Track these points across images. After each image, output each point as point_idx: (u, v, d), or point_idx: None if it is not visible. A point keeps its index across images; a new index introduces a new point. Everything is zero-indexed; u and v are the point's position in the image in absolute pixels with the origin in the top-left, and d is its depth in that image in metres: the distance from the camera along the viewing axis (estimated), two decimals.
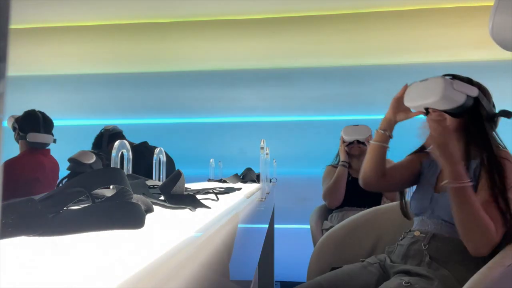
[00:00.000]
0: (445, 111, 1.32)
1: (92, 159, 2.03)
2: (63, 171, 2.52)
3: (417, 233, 1.36)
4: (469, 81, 1.38)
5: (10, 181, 2.26)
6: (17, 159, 2.43)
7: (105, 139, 2.58)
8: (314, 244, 2.48)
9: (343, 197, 2.47)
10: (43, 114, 2.51)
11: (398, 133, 1.51)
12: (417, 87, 1.36)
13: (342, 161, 2.52)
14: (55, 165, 2.55)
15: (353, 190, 2.44)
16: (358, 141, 2.54)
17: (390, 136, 1.48)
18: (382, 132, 1.47)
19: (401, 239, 1.41)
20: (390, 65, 3.49)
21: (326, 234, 1.81)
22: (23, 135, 2.43)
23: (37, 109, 2.57)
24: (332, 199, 2.48)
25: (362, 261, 1.48)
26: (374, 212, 1.77)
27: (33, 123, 2.45)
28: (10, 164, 2.36)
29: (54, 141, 2.53)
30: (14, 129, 2.47)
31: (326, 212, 2.56)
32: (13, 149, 2.47)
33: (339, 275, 1.40)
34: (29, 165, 2.40)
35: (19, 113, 2.50)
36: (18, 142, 2.49)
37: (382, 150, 1.44)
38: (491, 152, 1.30)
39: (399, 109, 1.44)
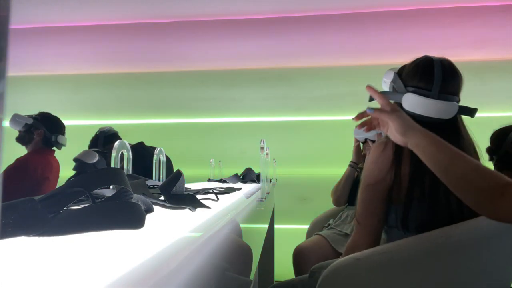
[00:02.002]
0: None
1: (95, 158, 2.04)
2: (62, 171, 2.54)
3: None
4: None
5: (22, 180, 2.32)
6: (28, 158, 2.46)
7: (101, 141, 2.59)
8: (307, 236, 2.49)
9: (347, 197, 2.48)
10: None
11: None
12: None
13: (351, 162, 2.53)
14: (58, 165, 2.59)
15: (356, 191, 2.46)
16: (370, 140, 2.54)
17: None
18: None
19: None
20: (390, 65, 3.49)
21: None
22: (49, 135, 2.51)
23: (37, 109, 2.60)
24: (335, 197, 2.51)
25: None
26: None
27: (60, 125, 2.60)
28: (22, 164, 2.41)
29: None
30: (30, 127, 2.49)
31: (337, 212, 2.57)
32: (9, 149, 2.48)
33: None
34: (40, 165, 2.46)
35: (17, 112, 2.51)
36: (29, 141, 2.51)
37: None
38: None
39: None
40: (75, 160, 2.02)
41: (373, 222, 1.15)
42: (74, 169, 2.06)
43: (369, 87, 1.11)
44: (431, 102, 1.17)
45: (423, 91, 1.19)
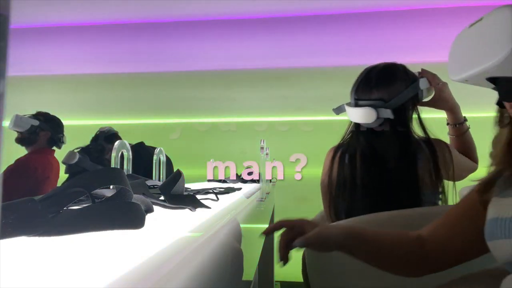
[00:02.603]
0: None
1: (75, 158, 2.06)
2: (62, 172, 2.54)
3: None
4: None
5: (23, 180, 2.32)
6: (28, 158, 2.46)
7: (100, 141, 2.60)
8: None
9: None
10: None
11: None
12: None
13: None
14: (59, 165, 2.59)
15: None
16: None
17: None
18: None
19: None
20: None
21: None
22: (55, 136, 2.53)
23: (36, 109, 2.61)
24: None
25: None
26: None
27: (62, 125, 2.61)
28: (22, 164, 2.41)
29: None
30: (35, 129, 2.49)
31: None
32: (8, 149, 2.47)
33: None
34: (41, 165, 2.46)
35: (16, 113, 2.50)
36: (32, 142, 2.50)
37: None
38: None
39: None
40: (63, 163, 2.05)
41: (326, 210, 1.39)
42: (65, 172, 2.09)
43: (264, 233, 0.88)
44: (349, 109, 1.38)
45: (350, 99, 1.41)
